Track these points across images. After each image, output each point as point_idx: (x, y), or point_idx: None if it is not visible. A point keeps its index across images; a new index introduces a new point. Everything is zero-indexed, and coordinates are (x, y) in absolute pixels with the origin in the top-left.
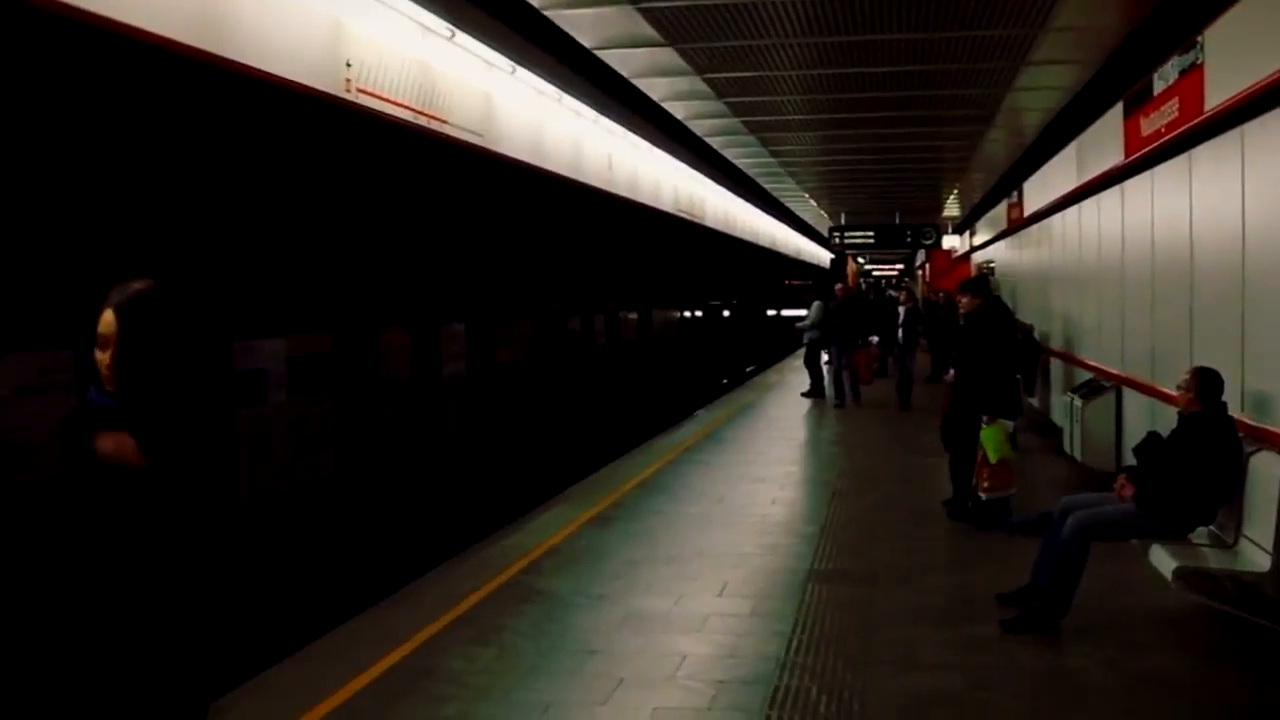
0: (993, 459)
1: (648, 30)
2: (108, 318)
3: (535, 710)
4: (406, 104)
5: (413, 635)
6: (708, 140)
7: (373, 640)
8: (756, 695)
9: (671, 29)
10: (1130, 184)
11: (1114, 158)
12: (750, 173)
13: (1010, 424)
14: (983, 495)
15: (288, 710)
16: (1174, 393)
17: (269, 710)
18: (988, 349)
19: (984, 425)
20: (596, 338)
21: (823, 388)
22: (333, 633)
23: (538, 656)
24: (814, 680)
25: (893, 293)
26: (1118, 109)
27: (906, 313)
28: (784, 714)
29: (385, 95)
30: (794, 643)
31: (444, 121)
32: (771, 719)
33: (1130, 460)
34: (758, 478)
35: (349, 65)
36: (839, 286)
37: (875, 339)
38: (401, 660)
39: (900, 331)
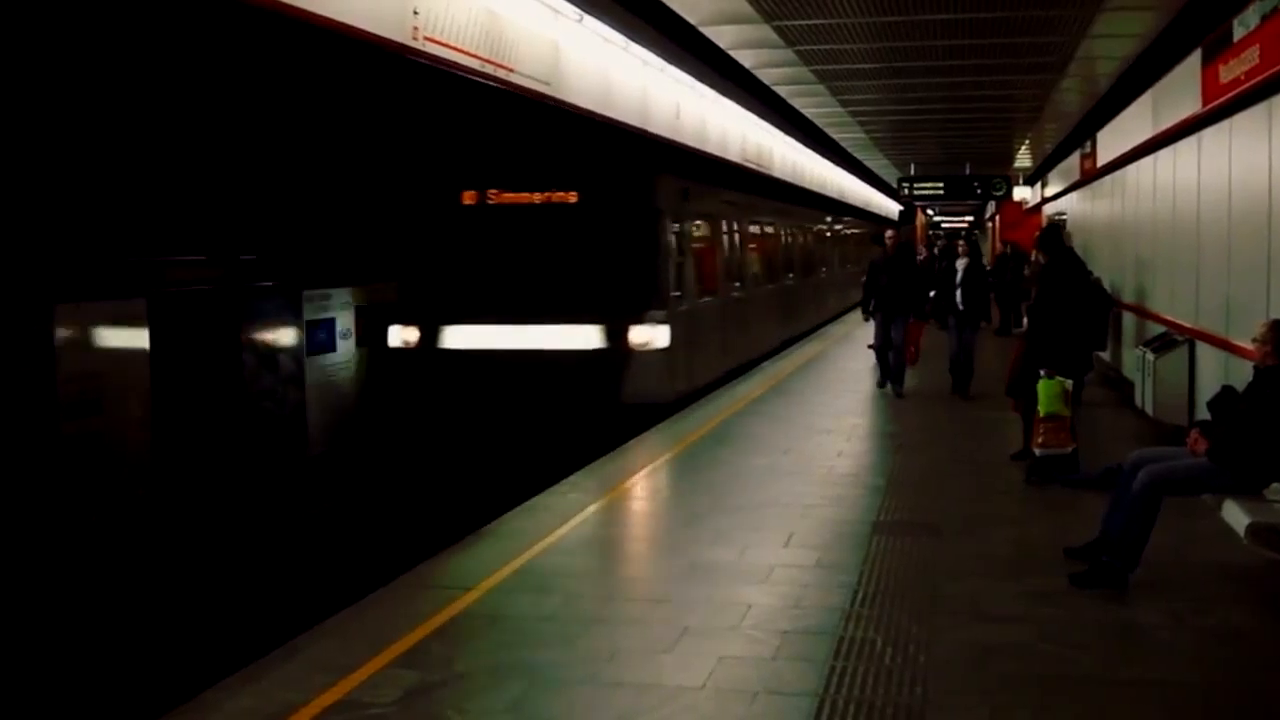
0: (1040, 412)
1: None
2: None
3: (600, 658)
4: (474, 52)
5: (479, 582)
6: (776, 89)
7: (439, 587)
8: (821, 646)
9: None
10: (1207, 133)
11: (1191, 106)
12: (819, 123)
13: (1069, 381)
14: (1037, 451)
15: (358, 653)
16: (1249, 346)
17: (341, 651)
18: (1058, 304)
19: (1041, 378)
20: None
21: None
22: (400, 578)
23: (602, 605)
24: (879, 631)
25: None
26: (1195, 56)
27: (966, 268)
28: (849, 665)
29: (453, 44)
30: (859, 594)
31: (511, 70)
32: (836, 670)
33: (1203, 414)
34: (824, 429)
35: (416, 13)
36: (889, 234)
37: (932, 293)
38: (467, 607)
39: (959, 293)
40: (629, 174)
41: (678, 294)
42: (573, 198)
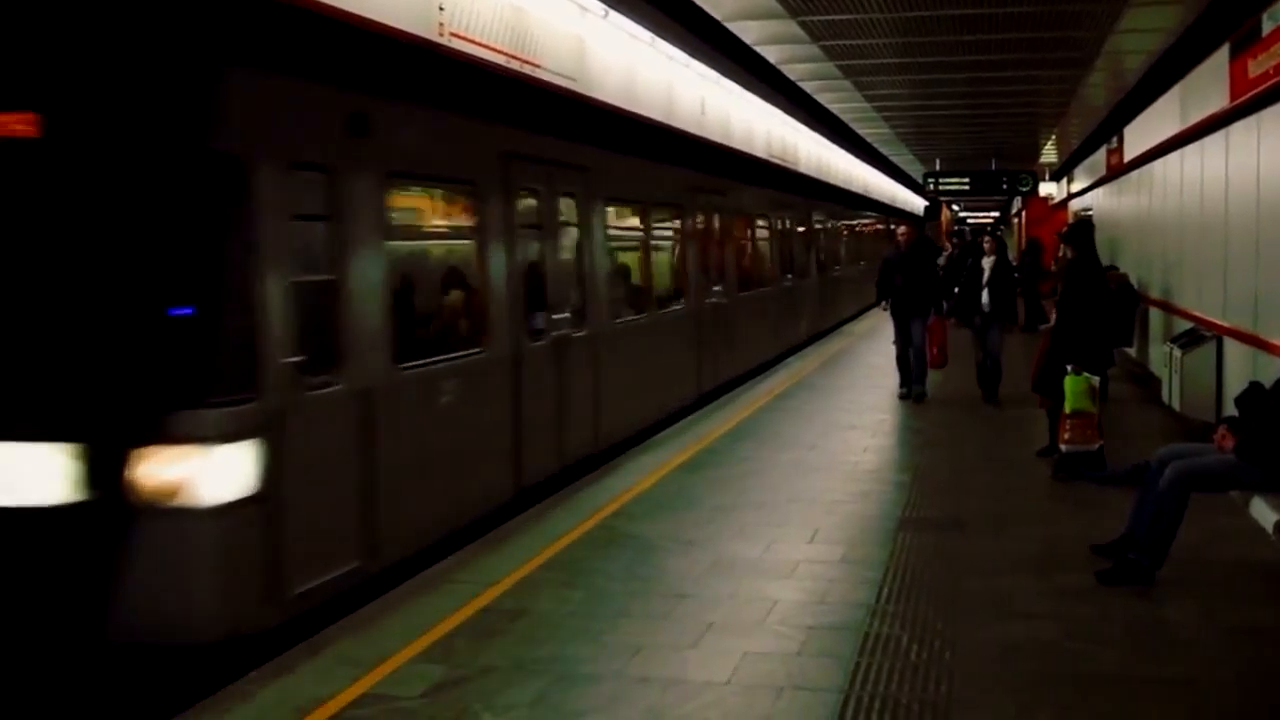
0: (1066, 409)
1: None
2: None
3: (625, 652)
4: (499, 48)
5: (504, 577)
6: (801, 85)
7: (466, 582)
8: (847, 642)
9: None
10: (1235, 128)
11: (1219, 101)
12: (844, 118)
13: (1096, 378)
14: (1063, 447)
15: (385, 647)
16: (1277, 342)
17: (368, 644)
18: (1083, 299)
19: (1068, 374)
20: None
21: None
22: (426, 572)
23: (628, 600)
24: (905, 628)
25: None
26: (1223, 51)
27: (993, 266)
28: (874, 661)
29: (478, 39)
30: (885, 590)
31: (537, 65)
32: (862, 666)
33: (1231, 411)
34: (848, 425)
35: (441, 9)
36: (902, 230)
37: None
38: (493, 602)
39: (985, 292)
40: (155, 69)
41: (301, 359)
42: (27, 126)
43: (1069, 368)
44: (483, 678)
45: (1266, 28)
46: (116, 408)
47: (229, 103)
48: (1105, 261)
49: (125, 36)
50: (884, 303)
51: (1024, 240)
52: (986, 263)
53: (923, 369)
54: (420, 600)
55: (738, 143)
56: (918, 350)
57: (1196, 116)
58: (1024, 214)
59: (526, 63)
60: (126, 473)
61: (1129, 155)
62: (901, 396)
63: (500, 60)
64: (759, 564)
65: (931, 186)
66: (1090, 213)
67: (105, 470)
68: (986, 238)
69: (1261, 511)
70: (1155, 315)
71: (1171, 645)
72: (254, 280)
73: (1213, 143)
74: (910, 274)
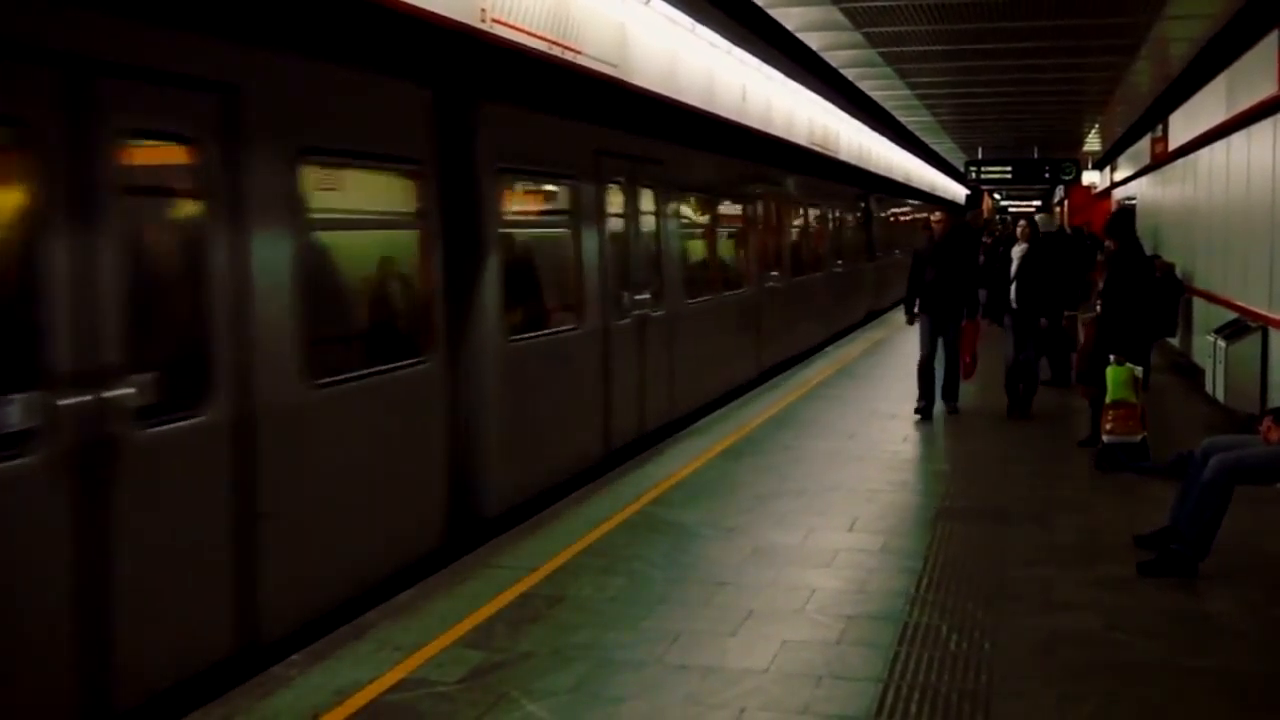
0: (1108, 399)
1: None
2: None
3: (664, 639)
4: (541, 34)
5: (544, 563)
6: (843, 72)
7: (506, 567)
8: (886, 631)
9: None
10: None
11: (1267, 89)
12: (886, 105)
13: (1139, 368)
14: (1105, 438)
15: (425, 632)
16: None
17: (408, 629)
18: (1127, 290)
19: (1110, 363)
20: None
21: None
22: (467, 558)
23: (667, 586)
24: (944, 618)
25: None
26: (1272, 37)
27: (1023, 256)
28: (914, 650)
29: (520, 25)
30: (924, 579)
31: (578, 52)
32: (901, 655)
33: (1277, 402)
34: (888, 414)
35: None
36: (936, 218)
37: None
38: (533, 587)
39: (1014, 286)
40: None
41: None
42: None
43: (1111, 357)
44: (522, 663)
45: None
46: None
47: None
48: (1149, 251)
49: None
50: (911, 311)
51: (1067, 229)
52: (1016, 251)
53: (955, 380)
54: (460, 585)
55: (778, 130)
56: (951, 357)
57: (1244, 104)
58: (1066, 203)
59: (568, 49)
60: None
61: (1174, 143)
62: (918, 412)
63: (541, 46)
64: (798, 552)
65: (973, 175)
66: (1133, 201)
67: None
68: (1022, 223)
69: None
70: (1199, 305)
71: (1214, 637)
72: None
73: (1260, 130)
74: (945, 267)
